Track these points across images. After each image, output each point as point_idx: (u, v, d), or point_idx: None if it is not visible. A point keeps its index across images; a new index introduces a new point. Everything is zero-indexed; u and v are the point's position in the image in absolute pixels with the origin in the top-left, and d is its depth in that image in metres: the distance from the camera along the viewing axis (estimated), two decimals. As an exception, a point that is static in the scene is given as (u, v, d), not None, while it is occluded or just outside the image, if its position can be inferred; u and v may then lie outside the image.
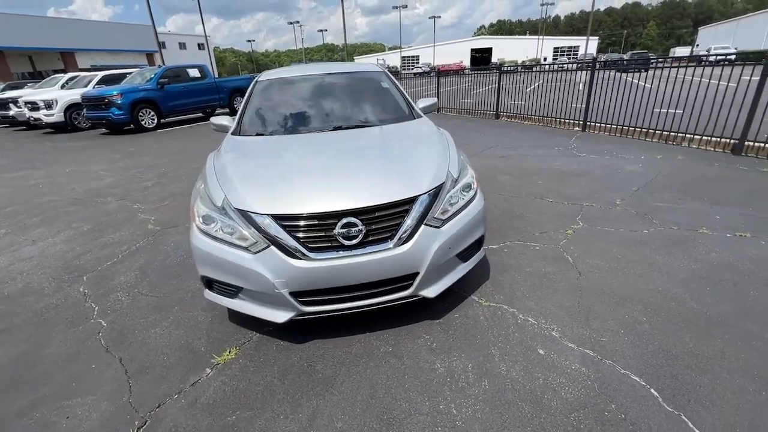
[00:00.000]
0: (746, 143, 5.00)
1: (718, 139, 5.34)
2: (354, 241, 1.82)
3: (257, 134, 2.84)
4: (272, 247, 1.82)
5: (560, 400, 1.64)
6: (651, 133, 6.28)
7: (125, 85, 11.54)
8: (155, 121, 11.42)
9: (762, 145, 4.92)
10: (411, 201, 1.93)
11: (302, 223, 1.84)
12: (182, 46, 51.00)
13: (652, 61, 9.13)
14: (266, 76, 3.52)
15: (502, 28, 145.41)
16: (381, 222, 1.87)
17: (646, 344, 1.92)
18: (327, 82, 3.36)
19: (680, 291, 2.32)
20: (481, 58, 66.84)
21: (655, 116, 6.60)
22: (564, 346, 1.94)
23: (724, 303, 2.19)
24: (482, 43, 68.42)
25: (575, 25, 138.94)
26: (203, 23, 32.16)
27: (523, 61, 49.18)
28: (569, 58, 56.65)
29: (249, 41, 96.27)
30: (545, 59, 59.75)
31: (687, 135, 5.76)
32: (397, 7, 48.95)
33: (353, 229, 1.81)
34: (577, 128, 7.56)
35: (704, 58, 7.97)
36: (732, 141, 5.17)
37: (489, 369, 1.83)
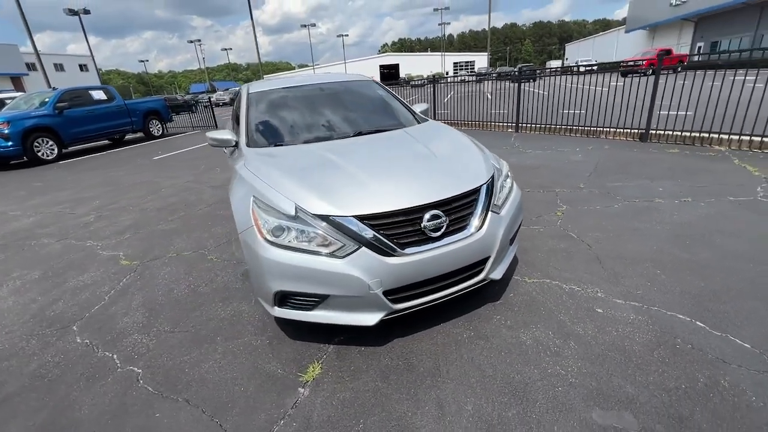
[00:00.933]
0: (650, 132, 6.16)
1: (629, 130, 6.47)
2: (439, 233, 1.90)
3: (277, 144, 2.71)
4: (363, 248, 1.80)
5: (638, 344, 1.90)
6: (574, 129, 7.33)
7: (10, 112, 9.76)
8: (55, 151, 9.82)
9: (662, 132, 6.11)
10: (477, 190, 2.07)
11: (390, 220, 1.85)
12: (59, 67, 44.51)
13: (538, 72, 11.12)
14: (258, 87, 3.38)
15: (404, 46, 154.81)
16: (458, 212, 1.98)
17: (671, 290, 2.31)
18: (328, 91, 3.36)
19: (669, 247, 2.82)
20: (389, 73, 70.25)
21: (566, 116, 7.83)
22: (614, 302, 2.24)
23: (703, 251, 2.72)
24: (389, 59, 71.90)
25: (467, 42, 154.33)
26: (87, 41, 28.50)
27: (430, 75, 53.18)
28: (468, 72, 62.56)
29: (142, 61, 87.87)
30: (447, 73, 65.17)
31: (603, 129, 6.86)
32: (305, 26, 49.05)
33: (438, 220, 1.89)
34: (510, 129, 8.46)
35: (575, 68, 9.61)
36: (639, 131, 6.31)
37: (568, 332, 2.03)
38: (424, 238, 1.89)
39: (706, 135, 5.62)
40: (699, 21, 32.32)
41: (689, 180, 4.22)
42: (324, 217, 1.85)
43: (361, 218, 1.83)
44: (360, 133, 2.82)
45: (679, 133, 5.91)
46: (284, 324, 2.29)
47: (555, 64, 56.47)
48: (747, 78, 5.32)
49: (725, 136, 5.45)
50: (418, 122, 3.18)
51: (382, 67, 70.23)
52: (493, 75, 10.74)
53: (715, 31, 30.70)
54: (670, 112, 7.20)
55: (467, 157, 2.37)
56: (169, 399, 1.83)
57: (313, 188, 2.00)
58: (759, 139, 5.15)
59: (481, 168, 2.22)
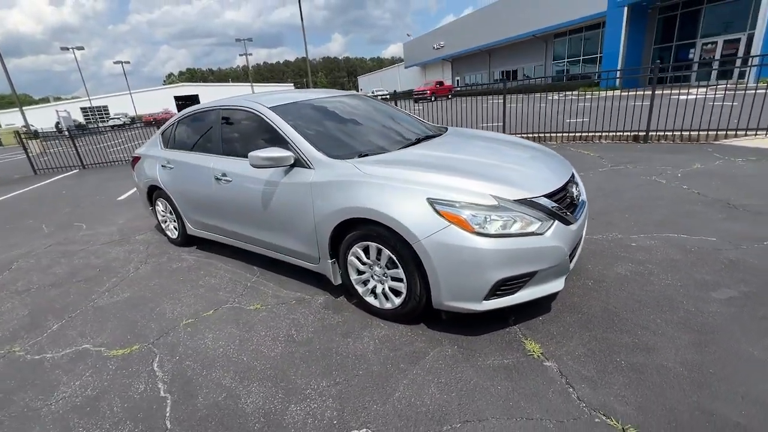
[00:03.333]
0: (650, 133, 6.97)
1: (629, 133, 7.19)
2: (578, 203, 2.35)
3: (362, 155, 2.53)
4: (556, 221, 2.07)
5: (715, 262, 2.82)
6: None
7: None
8: None
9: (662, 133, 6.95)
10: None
11: (560, 195, 2.19)
12: None
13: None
14: (276, 101, 2.97)
15: (195, 76, 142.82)
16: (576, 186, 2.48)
17: (710, 228, 3.42)
18: (350, 103, 3.28)
19: (693, 189, 4.06)
20: (186, 105, 63.64)
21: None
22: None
23: (717, 192, 4.07)
24: (186, 90, 65.17)
25: (263, 74, 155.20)
26: None
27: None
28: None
29: None
30: (255, 103, 64.26)
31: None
32: (68, 48, 38.88)
33: (576, 192, 2.34)
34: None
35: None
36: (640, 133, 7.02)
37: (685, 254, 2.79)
38: (573, 207, 2.29)
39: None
40: (454, 61, 43.02)
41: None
42: (522, 201, 2.02)
43: (548, 196, 2.10)
44: (419, 140, 2.94)
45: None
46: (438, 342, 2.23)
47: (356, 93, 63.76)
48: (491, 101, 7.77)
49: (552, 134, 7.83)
50: (439, 130, 3.45)
51: (177, 98, 63.06)
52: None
53: (465, 69, 41.56)
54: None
55: (542, 150, 2.89)
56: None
57: (486, 179, 2.11)
58: (574, 134, 7.66)
59: (559, 157, 2.79)
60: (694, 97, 7.67)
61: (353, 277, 2.46)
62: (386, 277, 2.30)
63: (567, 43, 27.75)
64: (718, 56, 18.67)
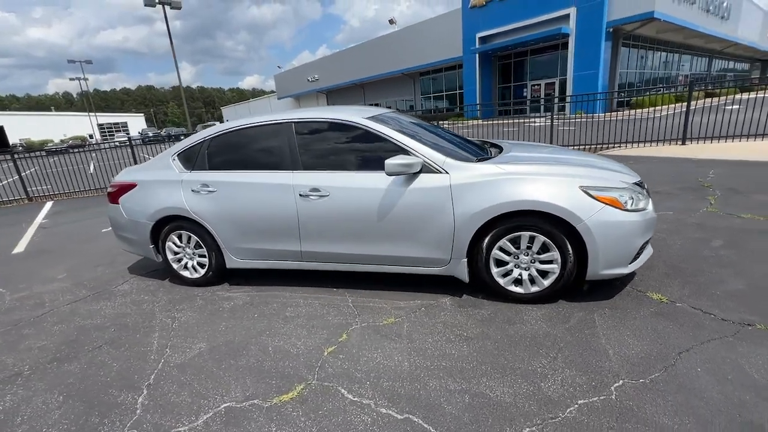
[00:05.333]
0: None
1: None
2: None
3: (481, 160, 2.77)
4: (650, 200, 2.71)
5: None
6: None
7: None
8: None
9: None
10: None
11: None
12: None
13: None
14: (369, 113, 2.96)
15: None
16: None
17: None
18: (403, 117, 3.45)
19: None
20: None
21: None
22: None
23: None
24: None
25: (95, 102, 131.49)
26: None
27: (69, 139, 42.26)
28: (126, 134, 54.37)
29: None
30: (91, 136, 53.81)
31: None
32: None
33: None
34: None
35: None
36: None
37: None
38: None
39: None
40: (329, 93, 44.77)
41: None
42: (636, 184, 2.60)
43: (638, 184, 2.72)
44: (493, 148, 3.34)
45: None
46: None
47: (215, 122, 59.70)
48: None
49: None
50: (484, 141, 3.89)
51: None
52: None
53: (340, 101, 43.68)
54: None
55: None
56: (676, 362, 1.96)
57: (605, 170, 2.64)
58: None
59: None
60: (540, 124, 10.19)
61: (494, 270, 2.64)
62: (533, 262, 2.56)
63: (430, 81, 32.20)
64: (542, 95, 24.47)
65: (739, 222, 3.71)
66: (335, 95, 43.90)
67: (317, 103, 46.88)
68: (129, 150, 10.31)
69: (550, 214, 2.39)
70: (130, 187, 3.45)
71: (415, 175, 2.64)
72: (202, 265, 3.38)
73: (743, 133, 7.98)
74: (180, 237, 3.34)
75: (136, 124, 73.58)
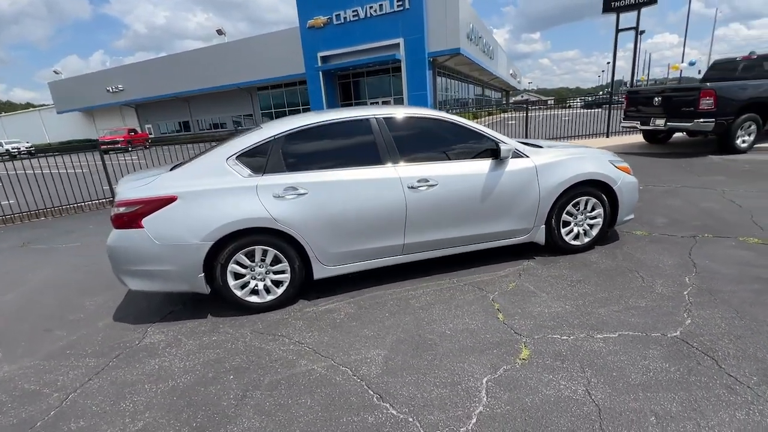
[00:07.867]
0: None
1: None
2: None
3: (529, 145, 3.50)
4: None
5: None
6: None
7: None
8: None
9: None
10: None
11: (607, 159, 4.16)
12: None
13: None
14: (436, 112, 3.28)
15: None
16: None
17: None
18: None
19: None
20: None
21: None
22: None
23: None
24: None
25: None
26: None
27: None
28: None
29: None
30: None
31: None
32: None
33: None
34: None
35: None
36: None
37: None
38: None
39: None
40: (139, 107, 37.66)
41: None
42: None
43: (613, 158, 4.00)
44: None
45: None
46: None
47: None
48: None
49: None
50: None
51: None
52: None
53: (157, 116, 37.46)
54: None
55: None
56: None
57: (604, 153, 3.78)
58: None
59: None
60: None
61: (563, 230, 3.41)
62: (585, 218, 3.46)
63: (270, 96, 31.50)
64: (380, 111, 27.51)
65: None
66: (149, 109, 37.37)
67: (122, 118, 38.79)
68: None
69: (599, 181, 3.33)
70: (166, 201, 2.66)
71: (505, 160, 3.16)
72: (277, 284, 2.92)
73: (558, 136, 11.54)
74: (249, 255, 2.81)
75: None
